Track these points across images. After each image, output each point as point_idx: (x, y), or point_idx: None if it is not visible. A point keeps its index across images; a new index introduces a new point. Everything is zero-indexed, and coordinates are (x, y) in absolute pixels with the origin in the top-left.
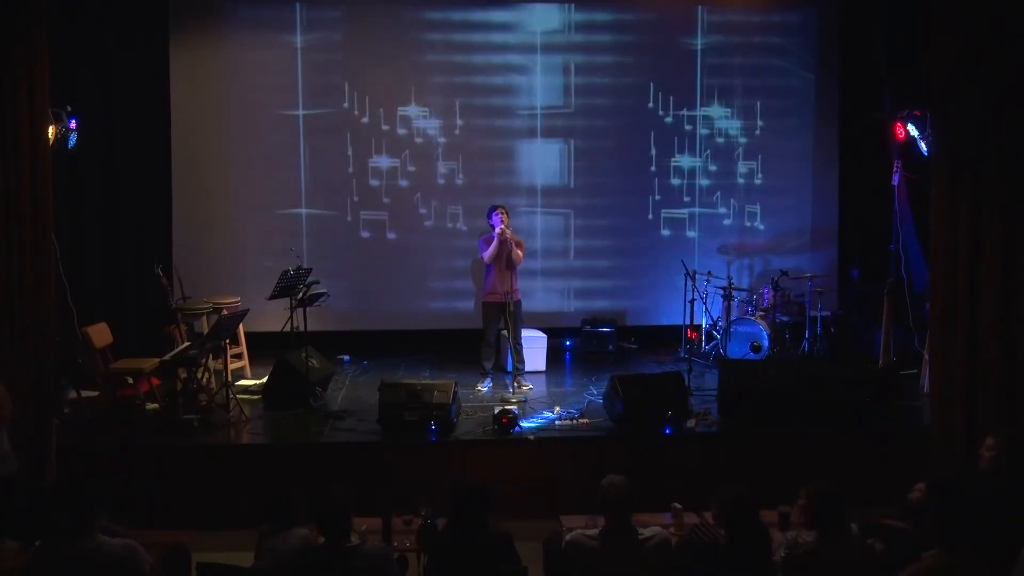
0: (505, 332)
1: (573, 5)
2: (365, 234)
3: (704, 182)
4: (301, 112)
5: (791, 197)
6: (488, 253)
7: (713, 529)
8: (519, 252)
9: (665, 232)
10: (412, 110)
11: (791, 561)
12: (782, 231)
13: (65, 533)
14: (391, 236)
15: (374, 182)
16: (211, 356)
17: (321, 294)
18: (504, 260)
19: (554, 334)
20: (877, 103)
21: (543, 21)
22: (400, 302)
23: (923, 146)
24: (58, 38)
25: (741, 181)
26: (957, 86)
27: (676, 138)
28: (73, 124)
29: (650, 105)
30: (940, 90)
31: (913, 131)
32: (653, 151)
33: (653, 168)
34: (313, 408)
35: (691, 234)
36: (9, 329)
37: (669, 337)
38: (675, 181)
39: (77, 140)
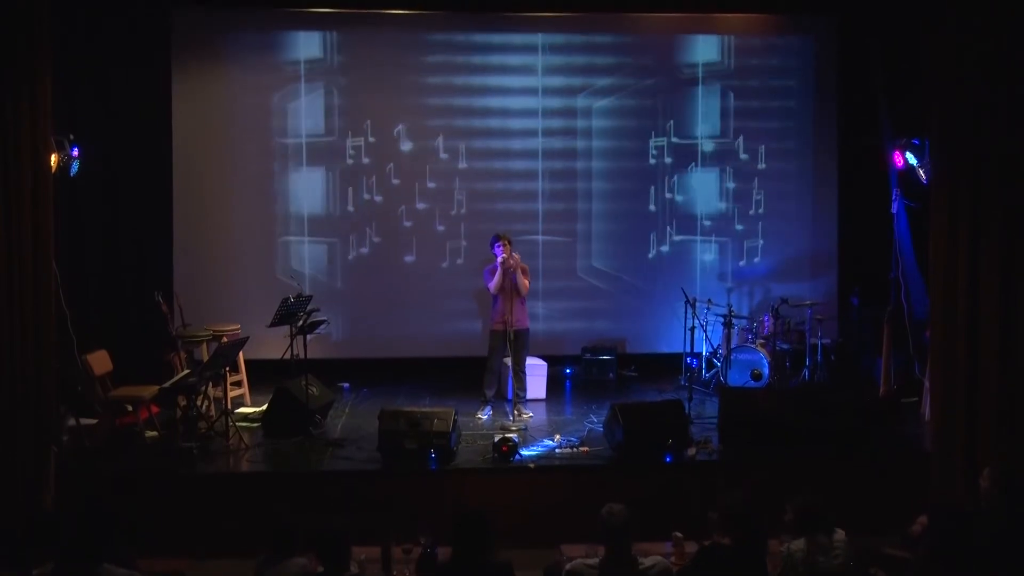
0: (507, 360)
1: (574, 30)
2: (366, 262)
3: (703, 209)
4: (304, 139)
5: (791, 224)
6: (493, 283)
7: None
8: (525, 280)
9: (665, 259)
10: (413, 136)
11: (787, 570)
12: (782, 258)
13: (75, 560)
14: (392, 264)
15: (375, 210)
16: (211, 384)
17: (321, 322)
18: (509, 288)
19: (554, 362)
20: (875, 130)
21: (544, 45)
22: (400, 330)
23: (922, 174)
24: (60, 65)
25: (741, 208)
26: (956, 110)
27: (676, 163)
28: (75, 152)
29: (650, 130)
30: (939, 114)
31: (912, 160)
32: (653, 177)
33: (653, 194)
34: (313, 436)
35: (691, 261)
36: (9, 355)
37: (669, 365)
38: (674, 208)
39: (79, 167)
